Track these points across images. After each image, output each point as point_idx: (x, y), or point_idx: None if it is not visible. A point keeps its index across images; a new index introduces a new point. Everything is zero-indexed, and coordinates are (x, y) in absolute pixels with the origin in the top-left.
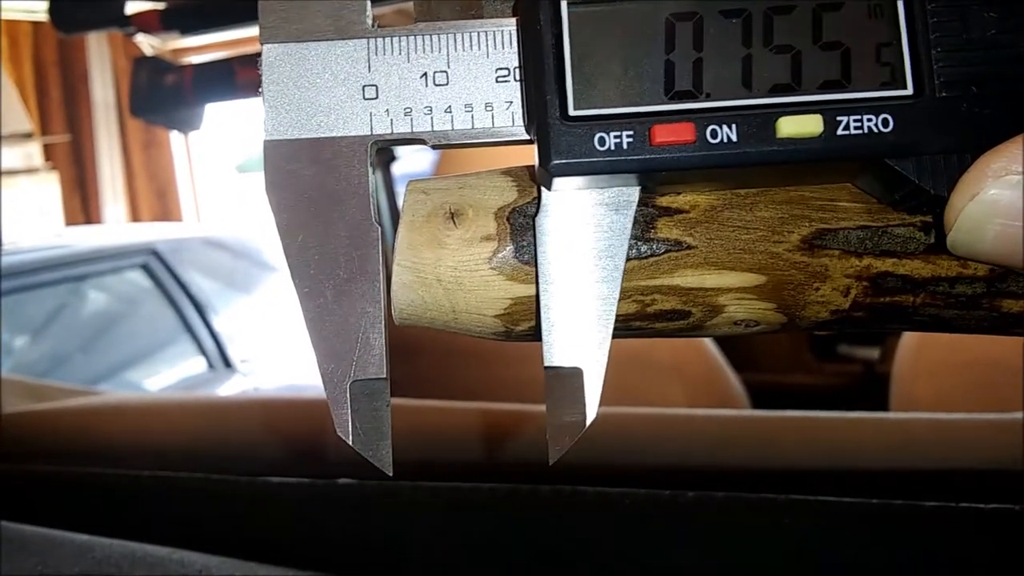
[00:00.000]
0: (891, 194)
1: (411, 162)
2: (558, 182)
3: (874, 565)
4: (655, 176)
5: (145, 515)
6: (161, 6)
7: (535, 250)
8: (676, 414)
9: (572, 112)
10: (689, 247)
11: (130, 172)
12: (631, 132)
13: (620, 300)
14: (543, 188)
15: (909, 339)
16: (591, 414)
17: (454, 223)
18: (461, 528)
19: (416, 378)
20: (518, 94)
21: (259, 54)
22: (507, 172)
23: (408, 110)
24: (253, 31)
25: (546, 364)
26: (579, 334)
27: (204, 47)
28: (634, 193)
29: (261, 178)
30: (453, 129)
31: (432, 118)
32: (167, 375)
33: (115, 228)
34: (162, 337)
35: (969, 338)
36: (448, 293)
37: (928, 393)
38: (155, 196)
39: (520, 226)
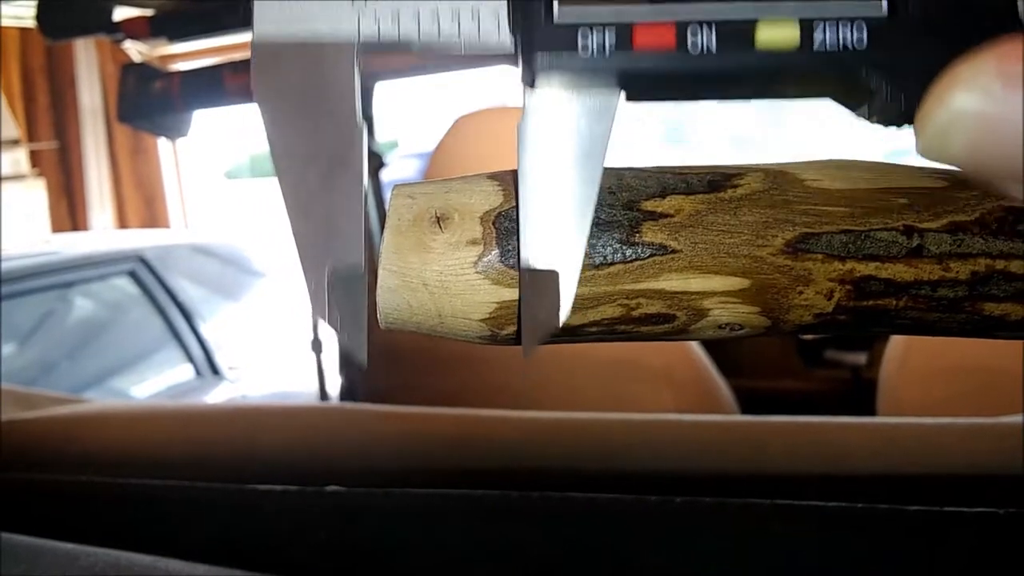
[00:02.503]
0: (865, 108)
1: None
2: (540, 80)
3: (859, 569)
4: (636, 83)
5: (131, 523)
6: (149, 12)
7: (517, 153)
8: (664, 419)
9: (556, 13)
10: (674, 251)
11: (117, 179)
12: (613, 34)
13: (604, 304)
14: (526, 93)
15: (896, 344)
16: (564, 314)
17: (440, 227)
18: (450, 536)
19: (402, 385)
20: (504, 4)
21: (249, 60)
22: (493, 176)
23: (396, 13)
24: (242, 37)
25: (523, 264)
26: (556, 236)
27: (192, 53)
28: (614, 100)
29: (252, 80)
30: (440, 33)
31: (419, 22)
32: (154, 382)
33: (102, 235)
34: (150, 344)
35: (956, 342)
36: (434, 297)
37: (915, 398)
38: (143, 203)
39: (506, 230)
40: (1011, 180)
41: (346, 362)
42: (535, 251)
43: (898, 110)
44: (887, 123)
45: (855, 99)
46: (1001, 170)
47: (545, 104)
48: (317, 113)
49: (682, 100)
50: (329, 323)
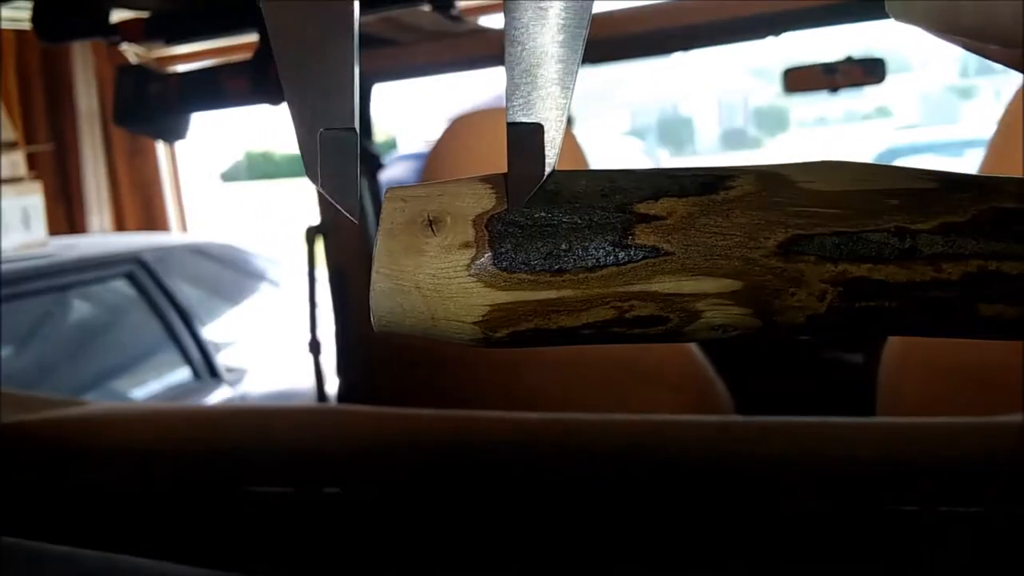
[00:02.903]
0: None
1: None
2: None
3: (859, 568)
4: None
5: (130, 525)
6: (146, 15)
7: (504, 12)
8: (661, 420)
9: None
10: (666, 253)
11: (115, 181)
12: None
13: (597, 307)
14: None
15: (895, 343)
16: (548, 167)
17: (432, 230)
18: (449, 536)
19: (399, 386)
20: None
21: (245, 62)
22: (486, 179)
23: None
24: (238, 39)
25: (509, 120)
26: (540, 92)
27: (189, 55)
28: None
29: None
30: None
31: None
32: (153, 384)
33: (100, 237)
34: (148, 346)
35: (955, 342)
36: (427, 300)
37: (914, 397)
38: (140, 205)
39: (499, 233)
40: (977, 39)
41: (345, 364)
42: (521, 109)
43: None
44: None
45: None
46: (966, 30)
47: None
48: None
49: None
50: (321, 186)
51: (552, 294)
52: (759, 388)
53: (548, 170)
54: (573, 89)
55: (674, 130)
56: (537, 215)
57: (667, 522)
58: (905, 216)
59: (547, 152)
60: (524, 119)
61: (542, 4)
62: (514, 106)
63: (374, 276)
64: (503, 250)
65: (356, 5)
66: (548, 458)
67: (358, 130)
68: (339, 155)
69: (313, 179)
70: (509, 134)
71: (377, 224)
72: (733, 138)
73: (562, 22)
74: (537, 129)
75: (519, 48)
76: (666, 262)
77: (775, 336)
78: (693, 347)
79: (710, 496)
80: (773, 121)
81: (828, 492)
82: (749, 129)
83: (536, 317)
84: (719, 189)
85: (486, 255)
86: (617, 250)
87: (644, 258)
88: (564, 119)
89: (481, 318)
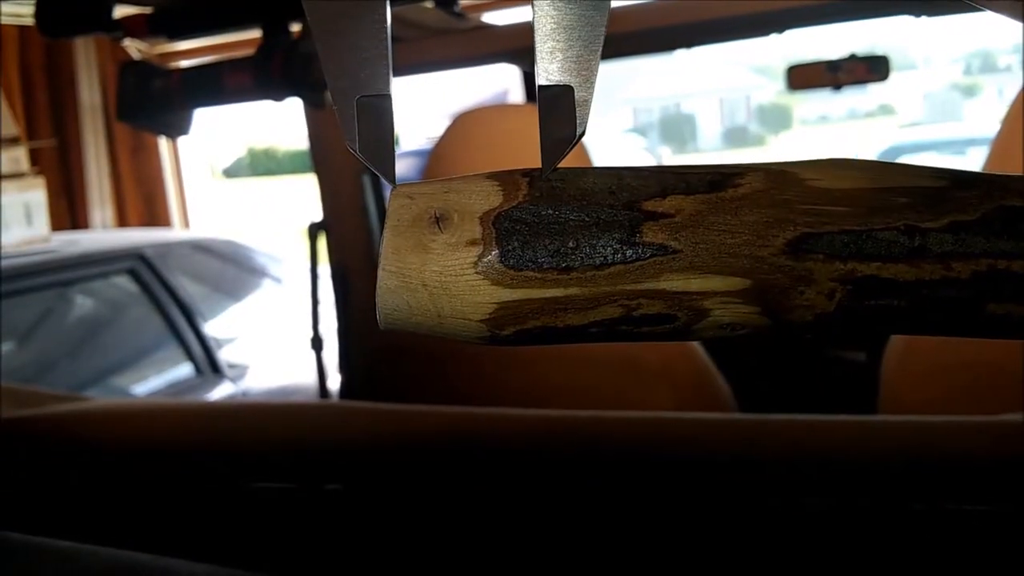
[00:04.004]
0: None
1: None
2: None
3: (860, 567)
4: None
5: (131, 520)
6: (149, 10)
7: None
8: (664, 418)
9: None
10: (674, 251)
11: (117, 177)
12: None
13: (605, 305)
14: None
15: (897, 342)
16: (580, 128)
17: (439, 227)
18: (449, 532)
19: (402, 383)
20: None
21: (248, 58)
22: (492, 176)
23: None
24: (241, 35)
25: (538, 83)
26: (569, 54)
27: (192, 51)
28: None
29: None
30: None
31: None
32: (155, 380)
33: (102, 233)
34: (150, 342)
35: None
36: (433, 298)
37: (916, 395)
38: (143, 201)
39: (506, 230)
40: None
41: (346, 360)
42: (551, 71)
43: None
44: None
45: None
46: None
47: None
48: None
49: None
50: (359, 150)
51: (559, 292)
52: (761, 386)
53: (580, 130)
54: (599, 50)
55: (677, 127)
56: (544, 212)
57: (669, 519)
58: (914, 214)
59: (578, 112)
60: (553, 81)
61: None
62: (543, 69)
63: (380, 273)
64: (510, 247)
65: None
66: (549, 455)
67: (391, 96)
68: (376, 121)
69: (351, 145)
70: (540, 97)
71: (381, 221)
72: (736, 136)
73: None
74: (567, 90)
75: (546, 10)
76: (674, 260)
77: (784, 335)
78: (696, 345)
79: (713, 493)
80: (776, 119)
81: (831, 490)
82: (752, 127)
83: (543, 315)
84: (727, 187)
85: (493, 252)
86: (625, 248)
87: (652, 256)
88: (594, 80)
89: (488, 316)
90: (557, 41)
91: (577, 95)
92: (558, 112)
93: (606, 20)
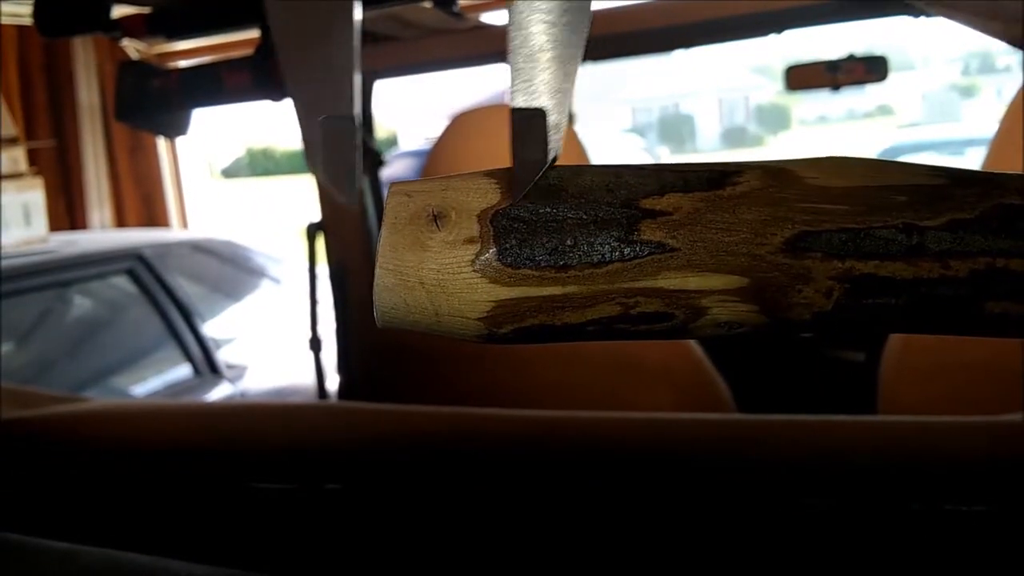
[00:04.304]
0: None
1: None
2: None
3: (860, 567)
4: None
5: (130, 521)
6: (147, 10)
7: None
8: (663, 418)
9: None
10: (672, 249)
11: (116, 177)
12: None
13: (603, 303)
14: None
15: (896, 342)
16: (552, 153)
17: (437, 225)
18: (449, 532)
19: (400, 383)
20: None
21: (247, 58)
22: (490, 174)
23: None
24: (240, 35)
25: (512, 106)
26: (543, 77)
27: (191, 51)
28: None
29: None
30: None
31: None
32: (153, 381)
33: (101, 233)
34: (148, 343)
35: (955, 340)
36: (431, 296)
37: (915, 395)
38: (141, 201)
39: (503, 228)
40: (980, 16)
41: (345, 361)
42: (523, 95)
43: None
44: None
45: None
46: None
47: None
48: None
49: None
50: (322, 174)
51: (557, 290)
52: (760, 386)
53: (552, 155)
54: (576, 75)
55: (675, 128)
56: (542, 210)
57: (668, 519)
58: (913, 212)
59: (550, 137)
60: (526, 104)
61: (542, 4)
62: (517, 91)
63: (378, 271)
64: (508, 246)
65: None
66: (548, 455)
67: (358, 120)
68: (339, 144)
69: (313, 168)
70: (512, 120)
71: (379, 220)
72: (734, 136)
73: (565, 7)
74: (539, 114)
75: (522, 33)
76: (672, 258)
77: (781, 333)
78: (694, 345)
79: (712, 493)
80: (775, 119)
81: (830, 490)
82: (750, 127)
83: (541, 313)
84: (725, 185)
85: (490, 251)
86: (623, 246)
87: (650, 254)
88: (567, 104)
89: (485, 314)
90: (531, 64)
91: (550, 119)
92: (530, 136)
93: (583, 44)
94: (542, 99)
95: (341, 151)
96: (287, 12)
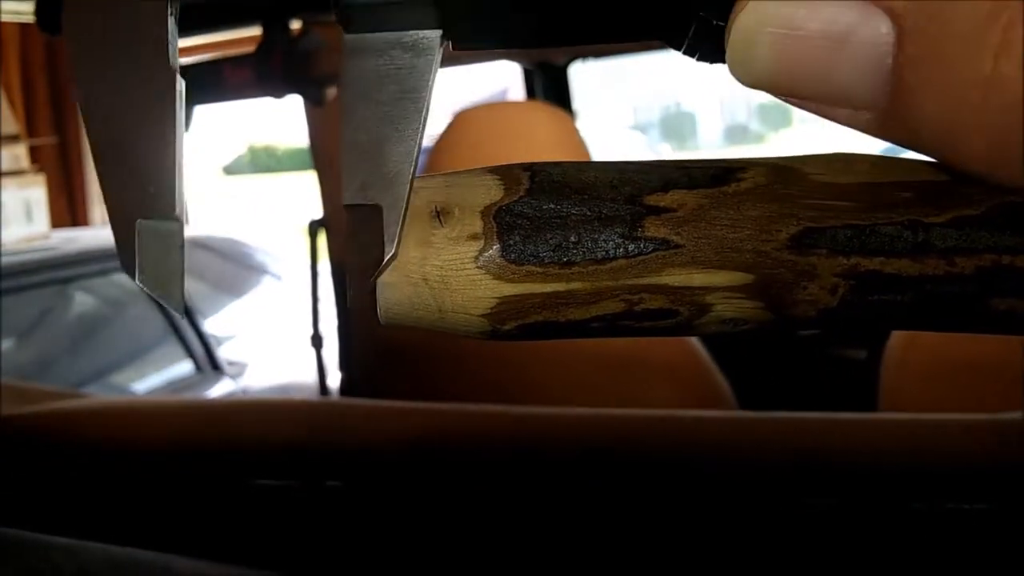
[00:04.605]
0: (682, 40)
1: None
2: (355, 22)
3: (861, 566)
4: (455, 23)
5: (130, 518)
6: None
7: (339, 93)
8: (664, 415)
9: None
10: (676, 246)
11: None
12: None
13: (607, 299)
14: (344, 32)
15: (897, 339)
16: (390, 249)
17: (440, 221)
18: (450, 530)
19: (401, 381)
20: None
21: (248, 55)
22: (494, 170)
23: None
24: (242, 32)
25: (345, 202)
26: (378, 173)
27: (192, 48)
28: (434, 37)
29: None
30: None
31: None
32: (154, 378)
33: (102, 230)
34: (149, 339)
35: (957, 338)
36: (434, 292)
37: (916, 394)
38: None
39: (507, 224)
40: (824, 102)
41: (347, 358)
42: (357, 191)
43: (708, 27)
44: (705, 58)
45: (676, 32)
46: (810, 90)
47: (364, 41)
48: (124, 64)
49: (502, 46)
50: (137, 277)
51: (561, 287)
52: (761, 384)
53: (390, 251)
54: (415, 167)
55: (677, 125)
56: (546, 206)
57: (669, 517)
58: (918, 209)
59: (387, 232)
60: (361, 200)
61: (376, 77)
62: (350, 187)
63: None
64: (511, 242)
65: (180, 81)
66: (549, 453)
67: (183, 220)
68: (161, 247)
69: (129, 273)
70: (349, 218)
71: None
72: (736, 134)
73: (396, 100)
74: (376, 211)
75: (352, 132)
76: (676, 255)
77: (786, 330)
78: (695, 342)
79: (712, 491)
80: (776, 117)
81: (832, 488)
82: (752, 125)
83: (545, 310)
84: (730, 181)
85: (494, 247)
86: (627, 242)
87: (654, 250)
88: (404, 198)
89: (489, 311)
90: (365, 161)
91: (386, 216)
92: (367, 233)
93: (421, 133)
94: (378, 195)
95: (163, 255)
96: (98, 97)
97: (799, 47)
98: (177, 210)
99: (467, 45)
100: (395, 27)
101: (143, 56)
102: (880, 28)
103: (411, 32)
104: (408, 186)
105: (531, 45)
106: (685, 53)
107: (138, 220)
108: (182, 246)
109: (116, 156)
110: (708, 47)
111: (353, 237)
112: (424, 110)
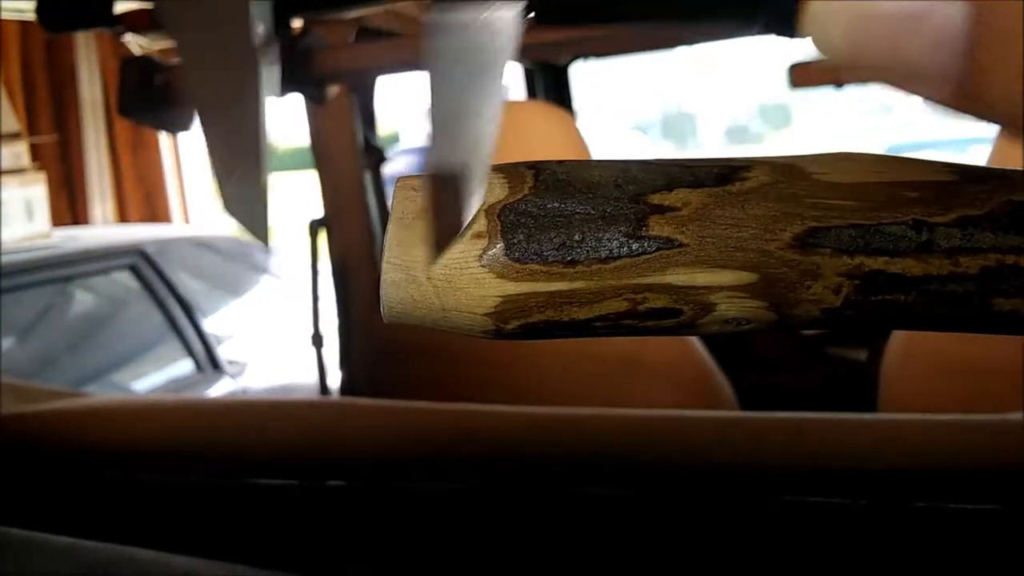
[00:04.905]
0: (755, 16)
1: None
2: None
3: (861, 566)
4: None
5: (131, 517)
6: (150, 5)
7: (427, 66)
8: (665, 415)
9: None
10: (681, 245)
11: (118, 172)
12: None
13: (611, 298)
14: (430, 7)
15: (898, 339)
16: (469, 215)
17: None
18: (450, 529)
19: (402, 380)
20: None
21: None
22: (498, 169)
23: None
24: None
25: (429, 171)
26: (459, 143)
27: None
28: (513, 13)
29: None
30: None
31: None
32: (154, 377)
33: (102, 229)
34: (150, 339)
35: (958, 338)
36: (438, 291)
37: (917, 394)
38: (143, 197)
39: (511, 223)
40: (898, 76)
41: (347, 358)
42: (440, 157)
43: (789, 15)
44: (781, 32)
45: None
46: (885, 64)
47: (445, 22)
48: (218, 43)
49: (579, 23)
50: (236, 217)
51: (564, 285)
52: (762, 384)
53: (468, 219)
54: (495, 133)
55: (678, 125)
56: (550, 205)
57: (669, 517)
58: (923, 208)
59: (466, 200)
60: (444, 170)
61: (458, 51)
62: (434, 158)
63: (384, 266)
64: (515, 240)
65: (264, 57)
66: (550, 452)
67: (267, 171)
68: (251, 192)
69: (229, 211)
70: (431, 183)
71: (382, 217)
72: (737, 134)
73: (477, 74)
74: (456, 179)
75: (436, 105)
76: (680, 254)
77: (790, 329)
78: (696, 342)
79: (712, 491)
80: (777, 117)
81: (830, 489)
82: (753, 125)
83: (548, 309)
84: (734, 180)
85: (498, 245)
86: (631, 241)
87: (658, 249)
88: (486, 167)
89: (492, 309)
90: (447, 132)
91: (467, 184)
92: (447, 200)
93: (497, 109)
94: (458, 163)
95: (253, 200)
96: (198, 70)
97: (876, 26)
98: (262, 171)
99: (547, 20)
100: (479, 1)
101: (229, 41)
102: (953, 9)
103: (491, 7)
104: (489, 155)
105: (606, 22)
106: (758, 32)
107: (235, 175)
108: (267, 194)
109: (215, 126)
110: (782, 23)
111: (433, 204)
112: (502, 83)
